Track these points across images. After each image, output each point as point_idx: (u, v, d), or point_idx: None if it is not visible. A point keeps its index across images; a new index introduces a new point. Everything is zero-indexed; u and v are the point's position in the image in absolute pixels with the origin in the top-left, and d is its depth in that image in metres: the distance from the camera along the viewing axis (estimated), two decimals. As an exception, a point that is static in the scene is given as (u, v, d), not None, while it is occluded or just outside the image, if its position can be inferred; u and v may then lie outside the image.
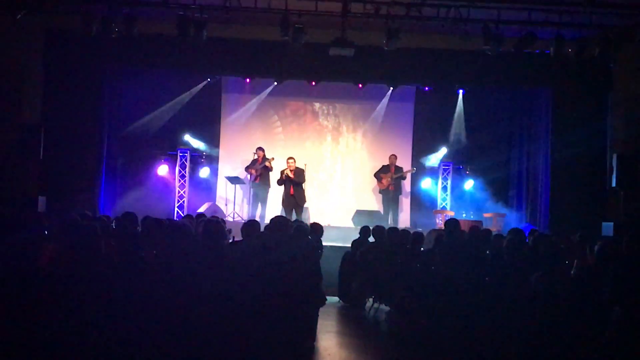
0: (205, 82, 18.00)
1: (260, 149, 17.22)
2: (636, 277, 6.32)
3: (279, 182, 16.39)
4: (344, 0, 13.76)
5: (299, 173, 16.32)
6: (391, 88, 17.98)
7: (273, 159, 17.08)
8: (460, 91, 18.16)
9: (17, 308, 5.13)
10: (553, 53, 14.28)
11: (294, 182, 16.20)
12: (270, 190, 17.23)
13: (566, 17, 14.02)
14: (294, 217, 15.75)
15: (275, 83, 17.77)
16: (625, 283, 6.08)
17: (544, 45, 14.49)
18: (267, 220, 13.41)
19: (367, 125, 18.74)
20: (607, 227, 14.15)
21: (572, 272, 7.35)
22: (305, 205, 16.63)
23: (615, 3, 13.77)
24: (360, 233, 12.52)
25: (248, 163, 17.30)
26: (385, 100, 18.42)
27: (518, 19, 14.28)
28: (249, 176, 17.31)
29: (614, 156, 15.04)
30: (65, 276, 5.35)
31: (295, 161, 16.40)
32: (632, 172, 14.78)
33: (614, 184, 14.99)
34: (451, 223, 10.18)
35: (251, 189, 17.30)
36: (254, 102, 18.45)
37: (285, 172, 16.28)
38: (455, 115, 18.31)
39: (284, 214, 15.10)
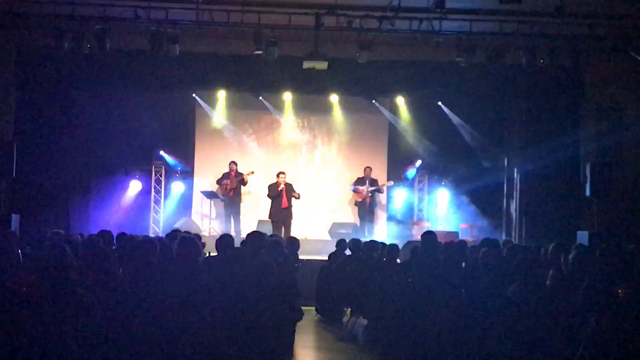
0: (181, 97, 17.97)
1: (233, 162, 17.19)
2: (610, 286, 6.34)
3: (274, 195, 16.37)
4: (317, 14, 13.79)
5: (291, 187, 16.48)
6: (365, 100, 17.99)
7: (253, 172, 17.06)
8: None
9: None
10: (525, 64, 14.40)
11: (289, 196, 16.32)
12: (243, 204, 17.21)
13: (537, 28, 14.15)
14: (281, 232, 15.78)
15: (250, 96, 17.76)
16: (600, 293, 6.10)
17: (515, 56, 14.60)
18: (242, 235, 13.43)
19: (342, 138, 18.75)
20: (582, 237, 14.21)
21: (547, 282, 7.36)
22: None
23: (585, 14, 13.89)
24: (336, 246, 12.50)
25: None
26: (359, 112, 18.45)
27: (490, 31, 14.38)
28: (220, 190, 17.25)
29: (588, 165, 15.13)
30: (37, 301, 5.29)
31: (286, 176, 16.47)
32: (606, 181, 14.85)
33: (588, 194, 15.06)
34: (428, 235, 10.17)
35: (224, 203, 17.24)
36: (228, 116, 18.41)
37: (281, 186, 16.35)
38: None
39: (262, 229, 15.00)
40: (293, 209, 16.53)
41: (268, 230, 15.39)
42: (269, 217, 16.45)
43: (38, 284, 5.83)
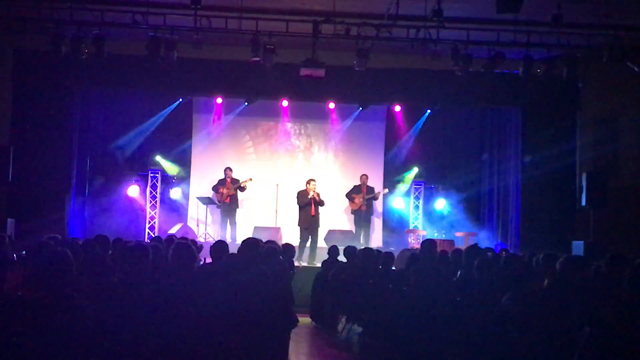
0: (176, 103, 17.94)
1: (228, 168, 17.19)
2: (607, 297, 6.35)
3: (304, 204, 16.40)
4: (315, 21, 13.83)
5: (319, 195, 16.51)
6: (362, 108, 18.00)
7: (251, 179, 17.05)
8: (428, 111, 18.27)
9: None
10: (521, 73, 14.45)
11: (319, 204, 16.40)
12: (239, 210, 17.25)
13: (534, 37, 14.20)
14: (309, 238, 16.14)
15: (247, 103, 17.73)
16: (594, 303, 6.11)
17: (512, 66, 14.65)
18: (238, 241, 13.44)
19: (338, 145, 18.77)
20: (577, 246, 14.24)
21: (541, 292, 7.36)
22: (277, 226, 16.76)
23: (582, 24, 13.94)
24: (328, 253, 12.51)
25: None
26: (356, 119, 18.47)
27: (487, 40, 14.42)
28: (217, 196, 17.25)
29: (583, 175, 15.16)
30: (32, 302, 5.27)
31: (316, 183, 16.52)
32: (601, 190, 14.90)
33: (583, 203, 15.09)
34: (427, 243, 10.16)
35: (221, 210, 17.25)
36: (225, 123, 18.43)
37: (313, 193, 16.37)
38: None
39: (258, 235, 15.02)
40: (320, 217, 16.59)
41: (264, 236, 15.41)
42: (298, 224, 16.50)
43: (33, 287, 5.83)
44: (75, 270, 6.18)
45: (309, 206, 16.32)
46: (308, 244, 15.99)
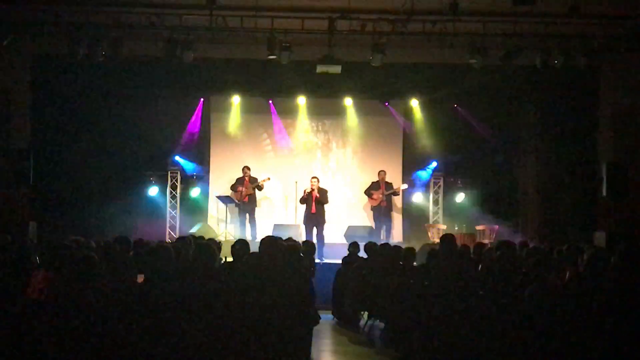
0: (194, 102, 18.04)
1: (246, 167, 17.23)
2: (630, 287, 6.32)
3: (302, 201, 16.52)
4: (330, 18, 13.82)
5: (323, 193, 16.49)
6: (379, 103, 17.97)
7: (269, 178, 17.11)
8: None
9: (5, 342, 5.08)
10: (539, 64, 14.36)
11: (317, 201, 16.37)
12: (258, 208, 17.32)
13: (551, 28, 14.11)
14: (314, 234, 16.14)
15: (270, 101, 17.80)
16: (619, 294, 6.08)
17: (530, 57, 14.55)
18: (258, 239, 13.46)
19: (356, 141, 18.73)
20: (600, 237, 14.15)
21: (564, 284, 7.33)
22: (297, 223, 16.76)
23: (599, 14, 13.84)
24: (349, 249, 12.50)
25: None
26: (374, 115, 18.45)
27: (503, 32, 14.35)
28: (235, 196, 17.25)
29: (604, 165, 15.05)
30: (57, 306, 5.31)
31: (318, 180, 16.59)
32: (622, 181, 14.79)
33: (604, 194, 14.99)
34: (446, 238, 10.12)
35: (239, 208, 17.28)
36: (243, 121, 18.45)
37: (308, 190, 16.47)
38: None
39: (278, 233, 15.05)
40: (326, 215, 16.55)
41: (284, 234, 15.41)
42: (303, 222, 16.62)
43: (56, 291, 5.87)
44: (97, 272, 6.23)
45: (309, 203, 16.39)
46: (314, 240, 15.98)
